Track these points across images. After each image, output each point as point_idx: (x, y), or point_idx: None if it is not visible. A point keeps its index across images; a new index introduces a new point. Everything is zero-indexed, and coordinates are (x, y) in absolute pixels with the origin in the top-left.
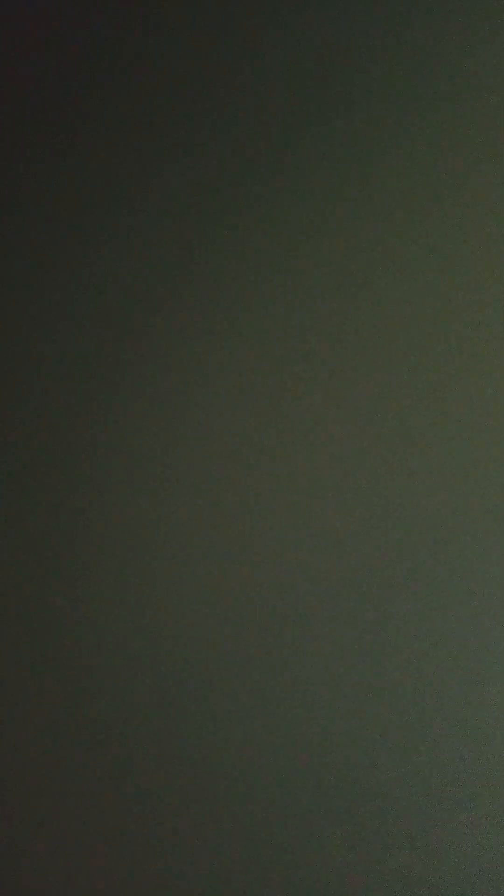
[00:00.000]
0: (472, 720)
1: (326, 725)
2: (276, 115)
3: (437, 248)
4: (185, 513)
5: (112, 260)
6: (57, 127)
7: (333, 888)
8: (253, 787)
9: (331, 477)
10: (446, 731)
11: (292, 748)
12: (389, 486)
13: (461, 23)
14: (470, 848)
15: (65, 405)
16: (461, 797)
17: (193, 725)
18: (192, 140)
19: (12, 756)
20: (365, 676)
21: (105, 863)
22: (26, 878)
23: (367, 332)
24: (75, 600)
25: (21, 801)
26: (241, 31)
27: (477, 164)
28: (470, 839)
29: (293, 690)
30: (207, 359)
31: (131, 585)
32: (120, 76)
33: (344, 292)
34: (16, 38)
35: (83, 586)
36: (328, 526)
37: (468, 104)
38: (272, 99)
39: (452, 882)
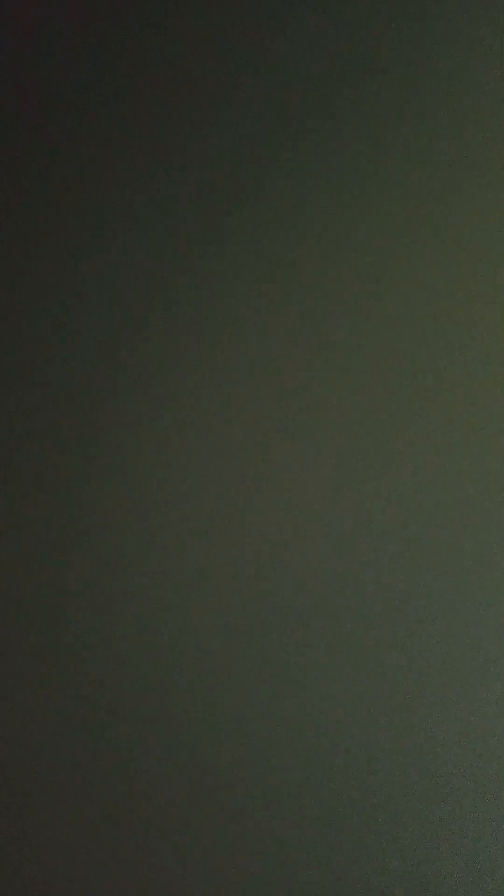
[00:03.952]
0: (475, 719)
1: (327, 723)
2: (277, 114)
3: (437, 247)
4: (184, 510)
5: (112, 259)
6: (57, 127)
7: (333, 888)
8: (252, 783)
9: (331, 475)
10: (448, 731)
11: (292, 744)
12: (390, 484)
13: (462, 23)
14: (473, 848)
15: (64, 404)
16: (464, 797)
17: (192, 722)
18: (191, 141)
19: (11, 753)
20: (365, 673)
21: (104, 857)
22: (26, 875)
23: (367, 329)
24: (75, 596)
25: (20, 797)
26: (240, 31)
27: (478, 163)
28: (473, 840)
29: (292, 687)
30: (207, 357)
31: (131, 582)
32: (119, 76)
33: (343, 293)
34: (16, 38)
35: (83, 583)
36: (328, 524)
37: (469, 105)
38: (272, 98)
39: (454, 882)
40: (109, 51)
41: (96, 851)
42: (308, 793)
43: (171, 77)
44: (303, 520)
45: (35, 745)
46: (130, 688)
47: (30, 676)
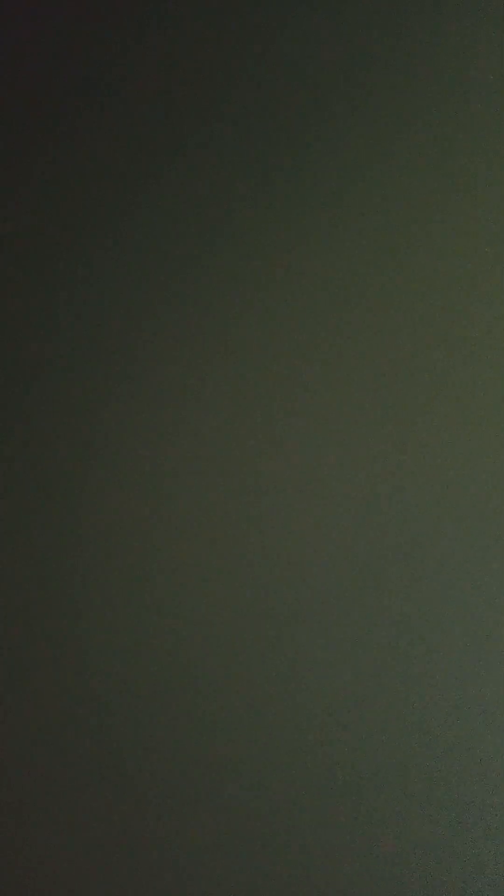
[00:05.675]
0: (476, 720)
1: (327, 722)
2: (278, 112)
3: (439, 246)
4: (185, 512)
5: (112, 259)
6: (58, 129)
7: (333, 888)
8: (253, 783)
9: (332, 476)
10: (448, 733)
11: (292, 743)
12: (390, 485)
13: (462, 25)
14: (471, 848)
15: (65, 406)
16: (464, 799)
17: (194, 722)
18: (192, 140)
19: (11, 753)
20: (366, 674)
21: (104, 857)
22: (26, 875)
23: (369, 329)
24: (75, 595)
25: (20, 797)
26: (240, 31)
27: (479, 166)
28: (471, 840)
29: (293, 688)
30: (208, 357)
31: (132, 583)
32: (120, 76)
33: (344, 296)
34: (15, 38)
35: (83, 582)
36: (329, 525)
37: (470, 105)
38: (273, 97)
39: (452, 881)
40: (109, 51)
41: (96, 851)
42: (308, 793)
43: (172, 76)
44: (304, 520)
45: (35, 745)
46: (131, 688)
47: (30, 677)
